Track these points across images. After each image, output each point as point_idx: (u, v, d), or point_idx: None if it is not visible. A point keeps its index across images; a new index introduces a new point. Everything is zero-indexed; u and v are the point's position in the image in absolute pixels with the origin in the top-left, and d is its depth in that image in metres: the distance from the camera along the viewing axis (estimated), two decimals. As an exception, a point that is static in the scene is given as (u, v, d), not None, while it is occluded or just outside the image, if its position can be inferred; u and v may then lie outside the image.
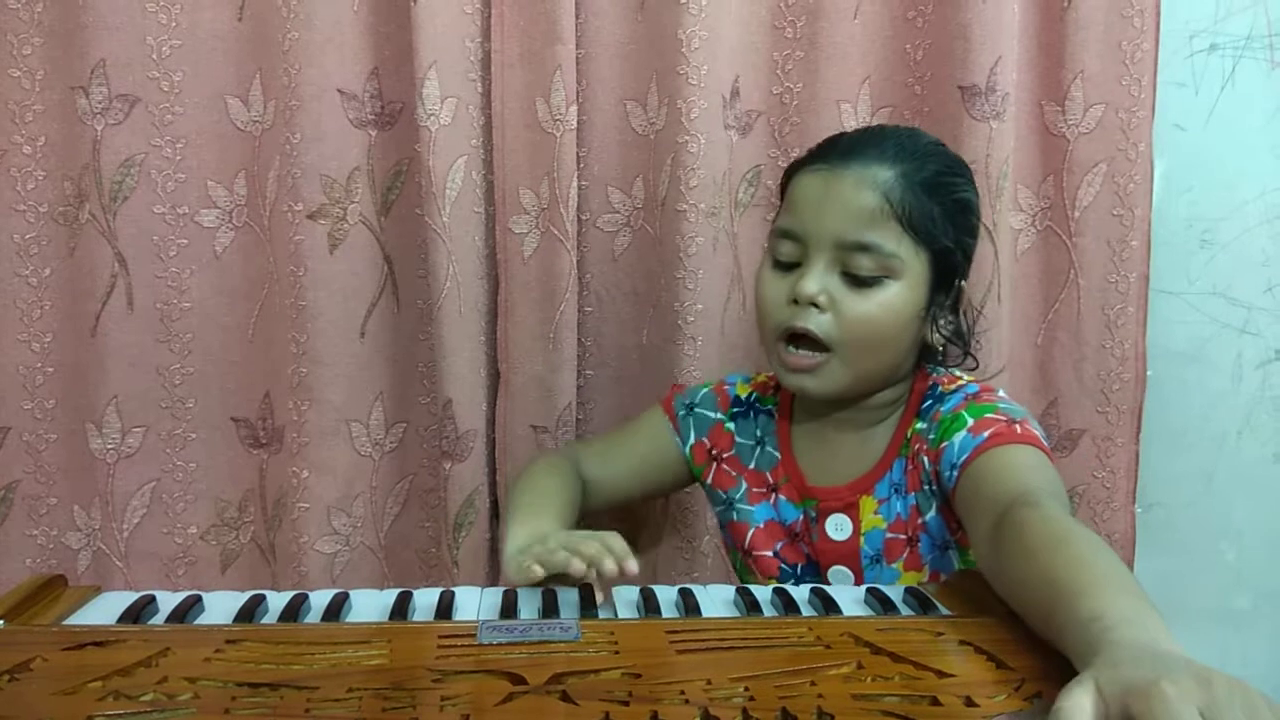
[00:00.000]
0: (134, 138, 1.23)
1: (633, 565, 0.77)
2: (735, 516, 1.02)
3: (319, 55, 1.19)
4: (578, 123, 1.23)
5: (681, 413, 1.06)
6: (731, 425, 1.04)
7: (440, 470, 1.27)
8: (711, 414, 1.05)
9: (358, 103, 1.23)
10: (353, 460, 1.29)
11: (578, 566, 0.76)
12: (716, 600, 0.76)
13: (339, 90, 1.21)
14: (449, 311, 1.23)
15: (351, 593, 0.76)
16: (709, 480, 1.05)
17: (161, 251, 1.26)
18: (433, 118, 1.19)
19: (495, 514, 1.31)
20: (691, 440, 1.05)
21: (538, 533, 0.85)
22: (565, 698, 0.56)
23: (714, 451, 1.04)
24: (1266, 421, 1.40)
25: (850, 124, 1.27)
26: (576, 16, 1.21)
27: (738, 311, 1.30)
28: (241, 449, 1.32)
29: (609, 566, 0.76)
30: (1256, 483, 1.41)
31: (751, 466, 1.02)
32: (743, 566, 1.03)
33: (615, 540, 0.79)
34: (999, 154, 1.22)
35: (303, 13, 1.18)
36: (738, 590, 0.76)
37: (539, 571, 0.78)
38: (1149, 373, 1.31)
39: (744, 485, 1.01)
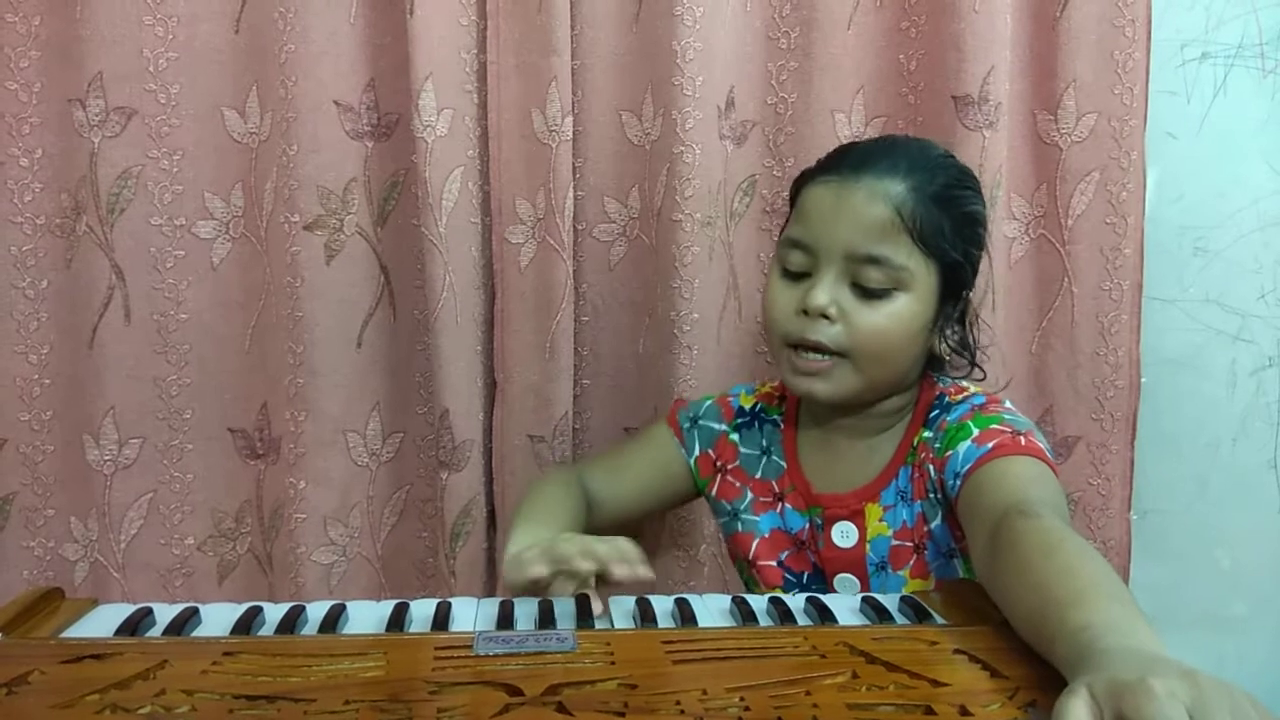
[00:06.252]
0: (131, 150, 1.24)
1: (645, 571, 0.76)
2: (740, 528, 1.02)
3: (315, 67, 1.20)
4: (573, 133, 1.23)
5: (686, 425, 1.06)
6: (735, 436, 1.04)
7: (437, 480, 1.28)
8: (716, 425, 1.05)
9: (354, 114, 1.23)
10: (349, 470, 1.29)
11: (582, 564, 0.75)
12: (713, 610, 0.76)
13: (335, 102, 1.22)
14: (446, 321, 1.23)
15: (348, 604, 0.76)
16: (713, 492, 1.05)
17: (158, 263, 1.26)
18: (429, 129, 1.19)
19: (492, 524, 1.31)
20: (696, 452, 1.05)
21: (541, 538, 0.84)
22: (561, 709, 0.56)
23: (719, 463, 1.04)
24: (1261, 428, 1.41)
25: (845, 134, 1.28)
26: (572, 28, 1.22)
27: (734, 321, 1.31)
28: (238, 460, 1.32)
29: (620, 571, 0.76)
30: (1251, 489, 1.41)
31: (758, 476, 1.02)
32: (749, 578, 1.03)
33: (628, 545, 0.79)
34: (992, 163, 1.23)
35: (299, 25, 1.19)
36: (734, 600, 0.76)
37: (541, 570, 0.77)
38: (1143, 380, 1.31)
39: (749, 495, 1.01)
